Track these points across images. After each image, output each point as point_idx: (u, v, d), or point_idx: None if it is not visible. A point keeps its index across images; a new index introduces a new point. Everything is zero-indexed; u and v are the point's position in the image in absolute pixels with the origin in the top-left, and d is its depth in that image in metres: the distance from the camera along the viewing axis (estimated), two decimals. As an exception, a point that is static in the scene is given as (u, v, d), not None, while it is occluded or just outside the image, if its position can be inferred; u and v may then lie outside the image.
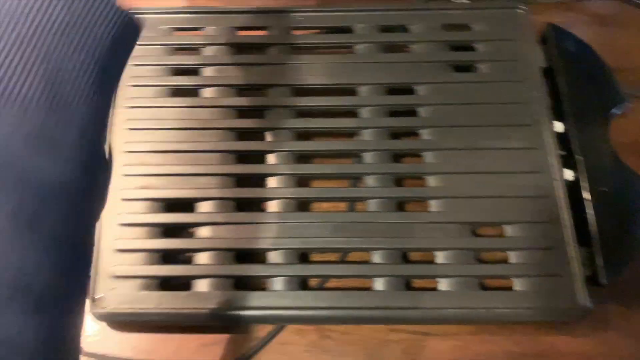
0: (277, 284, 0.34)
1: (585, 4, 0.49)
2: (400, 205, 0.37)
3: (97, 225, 0.34)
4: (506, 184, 0.36)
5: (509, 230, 0.36)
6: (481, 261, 0.35)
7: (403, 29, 0.41)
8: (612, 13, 0.49)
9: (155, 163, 0.37)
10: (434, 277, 0.35)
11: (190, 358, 0.35)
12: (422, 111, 0.39)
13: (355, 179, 0.38)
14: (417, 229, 0.35)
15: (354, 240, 0.35)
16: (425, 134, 0.38)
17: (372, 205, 0.37)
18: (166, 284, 0.35)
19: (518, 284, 0.34)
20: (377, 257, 0.35)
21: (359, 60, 0.40)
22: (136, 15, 0.25)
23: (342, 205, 0.38)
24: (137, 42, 0.40)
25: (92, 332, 0.35)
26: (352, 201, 0.37)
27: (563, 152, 0.38)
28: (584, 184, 0.36)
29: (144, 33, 0.41)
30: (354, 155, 0.38)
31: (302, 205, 0.37)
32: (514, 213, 0.36)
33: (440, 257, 0.35)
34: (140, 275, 0.34)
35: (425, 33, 0.41)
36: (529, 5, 0.43)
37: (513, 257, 0.35)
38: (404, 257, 0.36)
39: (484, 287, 0.35)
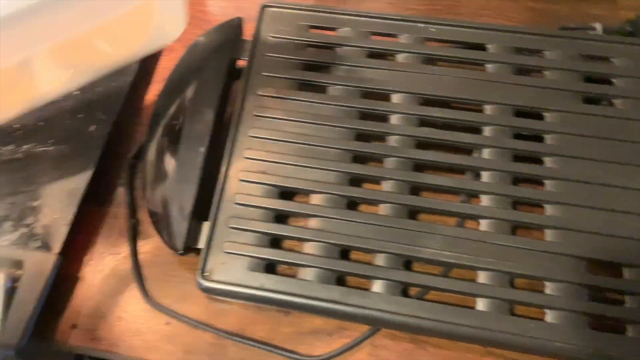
0: (379, 286, 0.35)
1: None
2: (514, 229, 0.37)
3: (216, 200, 0.36)
4: (631, 225, 0.35)
5: (628, 273, 0.35)
6: (594, 299, 0.34)
7: (539, 53, 0.40)
8: None
9: (275, 151, 0.39)
10: (541, 307, 0.34)
11: (283, 342, 0.36)
12: (549, 138, 0.39)
13: (469, 195, 0.38)
14: (529, 255, 0.35)
15: (464, 257, 0.35)
16: (549, 162, 0.38)
17: (486, 224, 0.36)
18: (271, 267, 0.36)
19: (631, 330, 0.33)
20: (483, 277, 0.35)
21: (489, 79, 0.40)
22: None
23: (450, 220, 0.38)
24: (275, 35, 0.42)
25: (196, 301, 0.37)
26: (465, 217, 0.38)
27: None
28: None
29: (281, 27, 0.43)
30: (472, 171, 0.38)
31: (412, 213, 0.38)
32: (635, 256, 0.35)
33: (550, 288, 0.34)
34: (249, 255, 0.36)
35: (562, 61, 0.40)
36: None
37: (630, 301, 0.34)
38: (511, 282, 0.35)
39: (594, 327, 0.34)
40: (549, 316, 0.34)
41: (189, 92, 0.40)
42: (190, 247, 0.36)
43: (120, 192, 0.41)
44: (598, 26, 0.47)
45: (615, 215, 0.36)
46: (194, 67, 0.41)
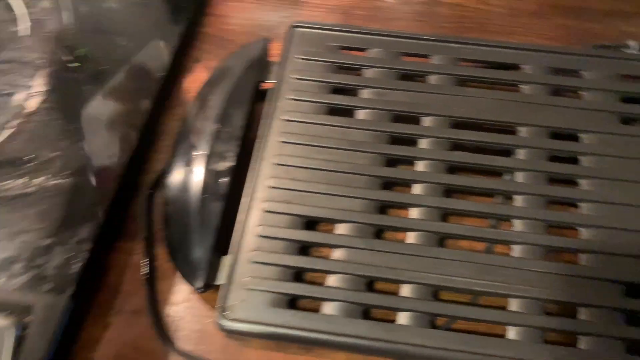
0: (406, 318, 0.35)
1: None
2: (548, 254, 0.37)
3: (238, 232, 0.36)
4: None
5: None
6: (631, 324, 0.34)
7: (575, 73, 0.40)
8: None
9: (301, 179, 0.39)
10: (576, 333, 0.34)
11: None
12: (585, 160, 0.39)
13: (500, 220, 0.38)
14: (562, 281, 0.35)
15: (496, 285, 0.35)
16: (585, 184, 0.38)
17: (519, 250, 0.37)
18: (294, 302, 0.37)
19: None
20: (515, 305, 0.35)
21: (524, 100, 0.40)
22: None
23: (480, 246, 0.38)
24: (303, 56, 0.42)
25: (213, 341, 0.37)
26: (497, 243, 0.38)
27: None
28: None
29: (309, 48, 0.43)
30: (505, 195, 0.38)
31: (442, 240, 0.38)
32: None
33: (584, 313, 0.34)
34: (272, 291, 0.36)
35: (600, 81, 0.39)
36: None
37: None
38: (544, 309, 0.35)
39: (632, 352, 0.33)
40: (582, 342, 0.34)
41: (215, 117, 0.40)
42: (209, 284, 0.36)
43: (138, 226, 0.41)
44: (633, 44, 0.46)
45: None
46: (219, 93, 0.40)
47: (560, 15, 0.50)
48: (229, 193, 0.38)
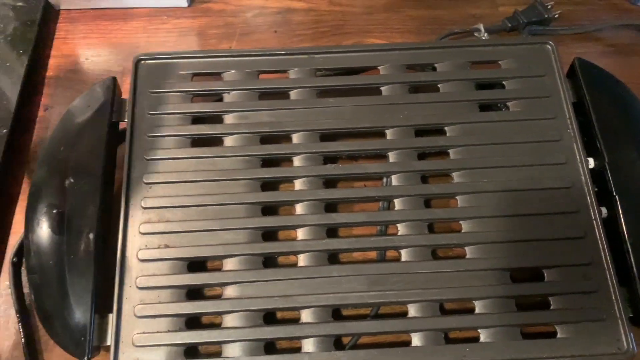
0: (311, 345, 0.35)
1: (602, 34, 0.51)
2: (435, 253, 0.38)
3: (116, 288, 0.34)
4: (543, 227, 0.38)
5: (548, 274, 0.37)
6: (522, 308, 0.37)
7: (430, 67, 0.41)
8: (630, 42, 0.50)
9: (175, 219, 0.38)
10: (474, 328, 0.36)
11: None
12: (453, 153, 0.41)
13: (385, 226, 0.39)
14: (454, 277, 0.37)
15: (390, 293, 0.36)
16: (457, 177, 0.40)
17: (407, 254, 0.38)
18: (193, 351, 0.35)
19: (561, 331, 0.36)
20: (413, 310, 0.36)
21: (385, 102, 0.41)
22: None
23: (372, 255, 0.39)
24: (155, 90, 0.40)
25: None
26: (386, 250, 0.39)
27: (596, 189, 0.39)
28: (622, 221, 0.37)
29: (160, 80, 0.41)
30: (387, 200, 0.39)
31: (333, 257, 0.38)
32: (553, 256, 0.37)
33: (479, 306, 0.36)
34: (165, 344, 0.35)
35: (453, 71, 0.42)
36: (547, 37, 0.44)
37: (554, 302, 0.37)
38: (442, 309, 0.36)
39: (527, 335, 0.36)
40: (483, 335, 0.35)
41: (68, 170, 0.37)
42: (99, 346, 0.34)
43: (7, 298, 0.38)
44: (481, 27, 0.49)
45: (526, 220, 0.38)
46: (69, 141, 0.38)
47: (411, 7, 0.52)
48: (99, 247, 0.36)
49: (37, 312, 0.35)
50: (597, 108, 0.40)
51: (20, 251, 0.38)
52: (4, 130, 0.42)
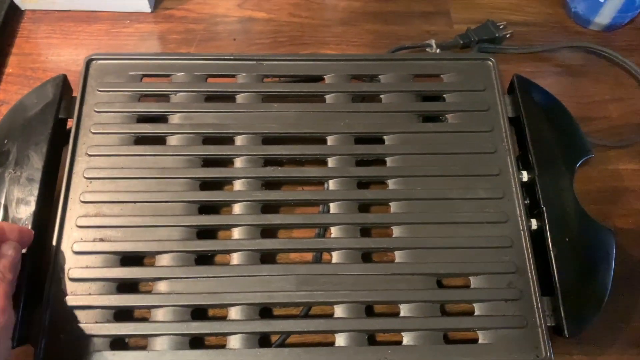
0: (236, 341, 0.36)
1: (552, 55, 0.52)
2: (367, 257, 0.40)
3: (48, 279, 0.35)
4: (472, 235, 0.40)
5: (474, 281, 0.39)
6: (446, 313, 0.38)
7: (375, 78, 0.43)
8: (578, 63, 0.52)
9: (113, 214, 0.39)
10: (398, 330, 0.37)
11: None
12: (390, 161, 0.42)
13: (320, 229, 0.40)
14: (381, 280, 0.38)
15: (317, 293, 0.38)
16: (392, 184, 0.42)
17: (337, 256, 0.39)
18: (121, 342, 0.37)
19: (483, 337, 0.37)
20: (340, 311, 0.37)
21: (328, 110, 0.43)
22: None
23: (309, 257, 0.41)
24: (104, 89, 0.41)
25: None
26: (318, 252, 0.40)
27: (528, 202, 0.40)
28: (548, 234, 0.39)
29: (110, 79, 0.42)
30: (322, 204, 0.41)
31: (267, 257, 0.40)
32: (480, 264, 0.39)
33: (404, 309, 0.38)
34: (92, 334, 0.36)
35: (396, 83, 0.44)
36: (497, 55, 0.45)
37: (478, 309, 0.38)
38: (369, 310, 0.38)
39: (449, 340, 0.37)
40: (407, 338, 0.37)
41: (9, 163, 0.38)
42: (26, 337, 0.35)
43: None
44: (433, 43, 0.51)
45: (457, 228, 0.40)
46: (13, 134, 0.40)
47: (368, 22, 0.55)
48: (35, 240, 0.37)
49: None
50: (532, 123, 0.42)
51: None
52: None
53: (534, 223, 0.40)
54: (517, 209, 0.40)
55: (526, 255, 0.38)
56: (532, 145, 0.41)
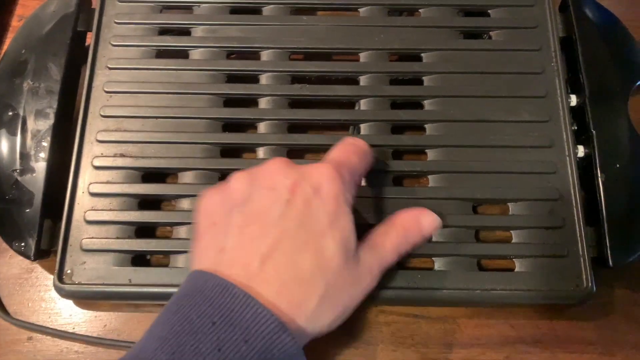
0: None
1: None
2: (398, 180, 0.39)
3: (68, 192, 0.35)
4: (513, 159, 0.39)
5: (513, 208, 0.38)
6: (481, 240, 0.38)
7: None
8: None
9: (134, 129, 0.39)
10: (429, 255, 0.37)
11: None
12: (428, 80, 0.41)
13: None
14: (413, 204, 0.37)
15: None
16: (429, 105, 0.41)
17: (368, 178, 0.37)
18: (141, 260, 0.37)
19: (519, 265, 0.37)
20: None
21: (363, 23, 0.42)
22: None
23: None
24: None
25: (59, 308, 0.38)
26: None
27: (575, 128, 0.39)
28: (597, 160, 0.37)
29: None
30: (353, 124, 0.40)
31: None
32: (520, 190, 0.38)
33: (437, 234, 0.37)
34: (112, 250, 0.37)
35: None
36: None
37: (516, 236, 0.38)
38: None
39: (483, 268, 0.37)
40: (438, 263, 0.37)
41: (27, 74, 0.38)
42: (48, 250, 0.36)
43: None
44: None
45: (497, 151, 0.39)
46: (31, 44, 0.40)
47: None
48: (54, 153, 0.37)
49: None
50: (585, 43, 0.40)
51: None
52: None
53: (580, 150, 0.38)
54: (564, 133, 0.38)
55: (571, 182, 0.37)
56: (584, 66, 0.40)
